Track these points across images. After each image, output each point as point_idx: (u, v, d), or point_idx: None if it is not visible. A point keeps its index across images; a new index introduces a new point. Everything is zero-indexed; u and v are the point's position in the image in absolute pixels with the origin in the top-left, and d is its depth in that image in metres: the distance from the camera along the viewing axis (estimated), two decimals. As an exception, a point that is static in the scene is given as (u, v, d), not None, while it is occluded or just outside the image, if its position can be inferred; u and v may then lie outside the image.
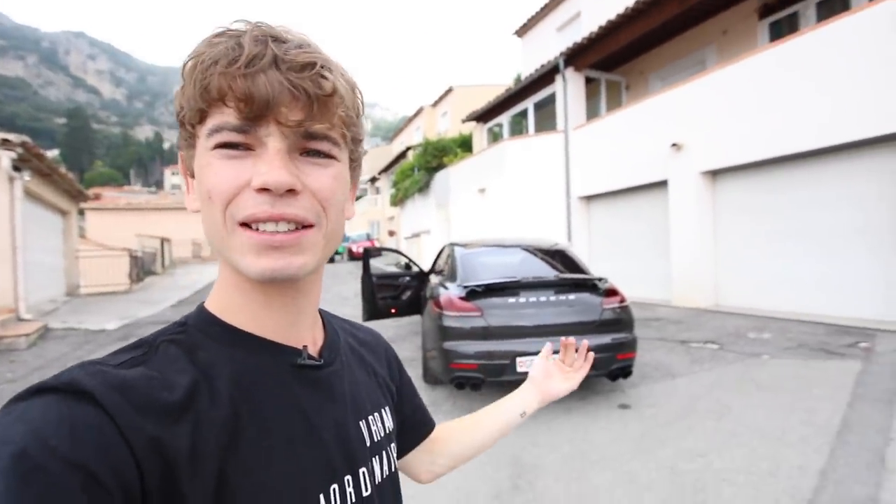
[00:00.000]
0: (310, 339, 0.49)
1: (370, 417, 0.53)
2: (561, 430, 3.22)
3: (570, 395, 3.73)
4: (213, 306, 0.45)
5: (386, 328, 6.64)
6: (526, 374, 3.23)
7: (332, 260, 21.57)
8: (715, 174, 7.41)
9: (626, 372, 3.59)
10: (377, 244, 24.90)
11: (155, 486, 0.33)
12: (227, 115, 0.38)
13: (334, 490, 0.44)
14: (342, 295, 10.51)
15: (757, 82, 6.50)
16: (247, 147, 0.39)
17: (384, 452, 0.53)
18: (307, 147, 0.41)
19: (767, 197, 6.69)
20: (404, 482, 0.62)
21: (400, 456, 0.66)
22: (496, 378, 3.41)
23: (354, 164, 0.49)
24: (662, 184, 8.01)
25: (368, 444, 0.51)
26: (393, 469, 0.55)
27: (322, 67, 0.40)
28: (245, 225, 0.39)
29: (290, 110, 0.39)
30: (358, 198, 36.15)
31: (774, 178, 6.61)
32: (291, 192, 0.39)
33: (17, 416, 0.31)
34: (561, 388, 0.81)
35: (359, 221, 32.46)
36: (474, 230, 12.15)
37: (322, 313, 0.55)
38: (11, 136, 6.87)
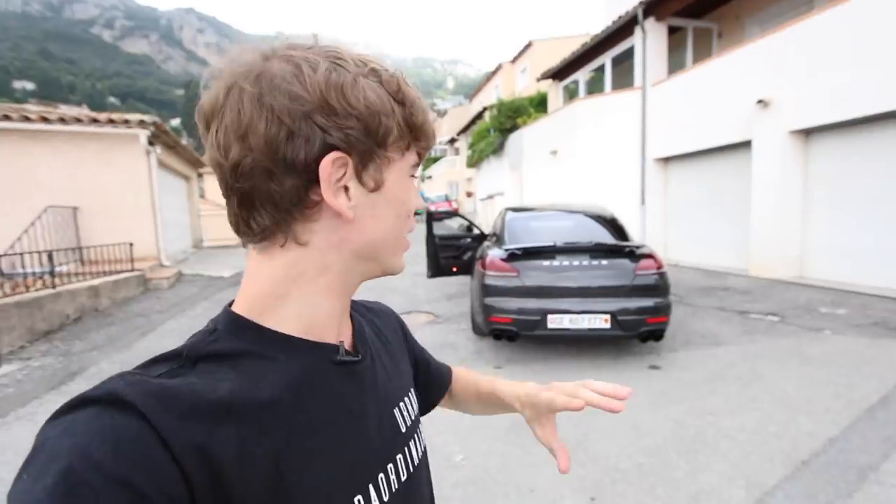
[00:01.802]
0: (344, 333, 0.50)
1: (401, 404, 0.55)
2: (585, 383, 3.55)
3: (602, 353, 4.04)
4: (246, 310, 0.44)
5: (450, 285, 7.21)
6: (557, 329, 3.58)
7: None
8: (808, 133, 6.68)
9: (656, 335, 3.77)
10: (455, 205, 25.54)
11: (204, 494, 0.33)
12: (415, 154, 0.47)
13: (381, 479, 0.46)
14: (420, 254, 11.29)
15: (876, 21, 5.61)
16: None
17: (415, 435, 0.55)
18: None
19: (869, 159, 5.96)
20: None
21: (433, 407, 0.74)
22: (529, 332, 3.80)
23: None
24: (746, 144, 7.39)
25: (403, 431, 0.53)
26: (423, 449, 0.58)
27: None
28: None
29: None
30: (437, 159, 36.78)
31: (880, 139, 5.84)
32: None
33: (64, 429, 0.32)
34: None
35: (438, 183, 33.21)
36: (546, 193, 12.13)
37: None
38: (146, 118, 8.32)
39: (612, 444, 2.69)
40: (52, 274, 5.62)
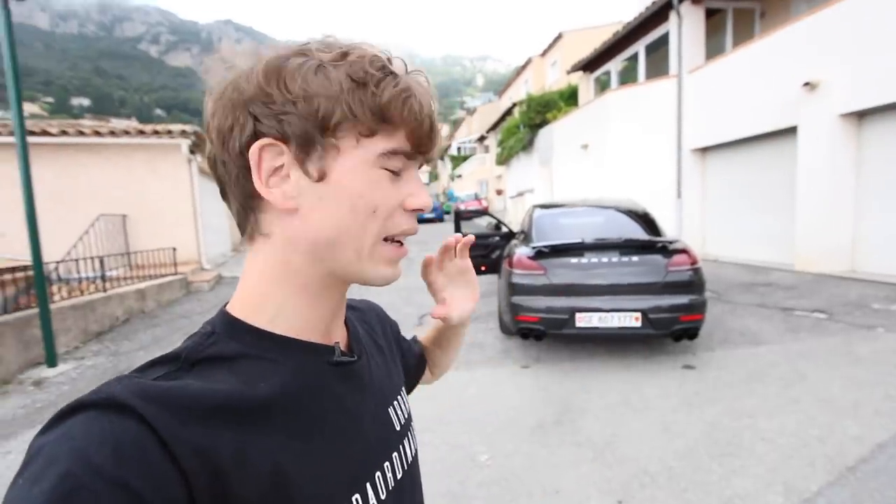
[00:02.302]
0: (339, 335, 0.51)
1: (395, 402, 0.55)
2: (615, 382, 3.48)
3: (633, 352, 3.94)
4: (240, 311, 0.44)
5: (479, 284, 7.18)
6: (586, 328, 3.51)
7: (441, 219, 22.52)
8: (861, 116, 6.23)
9: (690, 334, 3.63)
10: (484, 203, 25.44)
11: (204, 496, 0.33)
12: (399, 141, 0.42)
13: (378, 478, 0.46)
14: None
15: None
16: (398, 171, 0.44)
17: (408, 433, 0.56)
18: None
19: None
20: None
21: (414, 388, 0.76)
22: (557, 331, 3.74)
23: None
24: (791, 131, 6.97)
25: (398, 429, 0.53)
26: (416, 447, 0.58)
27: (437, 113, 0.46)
28: (387, 239, 0.44)
29: (433, 147, 0.46)
30: (466, 157, 36.71)
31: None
32: None
33: (62, 433, 0.31)
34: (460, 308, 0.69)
35: (468, 181, 33.15)
36: (577, 188, 11.88)
37: None
38: (187, 127, 8.75)
39: (642, 445, 2.62)
40: (103, 278, 6.01)
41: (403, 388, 0.61)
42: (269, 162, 0.41)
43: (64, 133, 7.89)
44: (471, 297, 0.70)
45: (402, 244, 0.47)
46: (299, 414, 0.42)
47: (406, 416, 0.57)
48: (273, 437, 0.39)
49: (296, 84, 0.39)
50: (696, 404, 3.04)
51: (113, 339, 5.32)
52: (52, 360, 4.42)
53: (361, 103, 0.40)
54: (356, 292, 0.58)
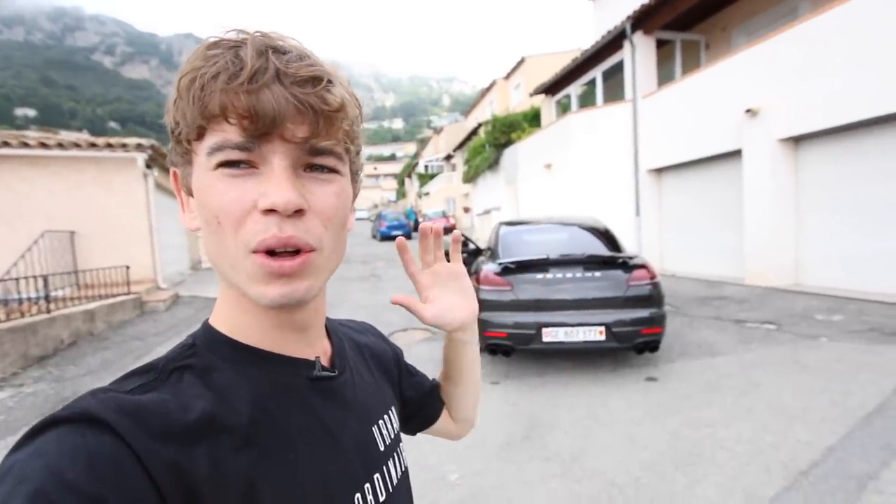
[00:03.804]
0: (320, 349, 0.49)
1: (380, 422, 0.53)
2: (581, 396, 3.53)
3: (599, 365, 4.02)
4: (220, 324, 0.44)
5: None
6: (552, 343, 3.56)
7: (409, 236, 22.56)
8: (797, 141, 6.76)
9: (651, 346, 3.75)
10: (452, 221, 25.65)
11: None
12: (228, 133, 0.37)
13: (358, 499, 0.45)
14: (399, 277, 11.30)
15: (862, 27, 5.68)
16: (250, 164, 0.38)
17: (395, 454, 0.54)
18: (311, 163, 0.40)
19: (859, 165, 6.01)
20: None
21: (430, 425, 0.72)
22: (524, 346, 3.78)
23: (356, 175, 0.48)
24: (738, 153, 7.47)
25: (382, 449, 0.51)
26: (404, 468, 0.56)
27: (328, 82, 0.39)
28: (255, 251, 0.38)
29: (295, 126, 0.37)
30: (433, 175, 37.02)
31: (868, 144, 5.90)
32: (298, 211, 0.38)
33: (33, 450, 0.30)
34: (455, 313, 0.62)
35: (435, 199, 33.37)
36: (542, 206, 12.19)
37: (325, 322, 0.54)
38: (143, 141, 8.41)
39: (609, 458, 2.66)
40: (47, 299, 5.61)
41: (392, 409, 0.58)
42: (177, 184, 0.44)
43: (6, 144, 7.41)
44: (465, 305, 0.63)
45: (277, 255, 0.38)
46: (275, 430, 0.41)
47: (392, 436, 0.55)
48: (247, 453, 0.38)
49: (168, 109, 0.41)
50: (659, 416, 3.13)
51: (57, 364, 4.94)
52: (-16, 390, 4.06)
53: (189, 102, 0.37)
54: (338, 310, 0.57)
